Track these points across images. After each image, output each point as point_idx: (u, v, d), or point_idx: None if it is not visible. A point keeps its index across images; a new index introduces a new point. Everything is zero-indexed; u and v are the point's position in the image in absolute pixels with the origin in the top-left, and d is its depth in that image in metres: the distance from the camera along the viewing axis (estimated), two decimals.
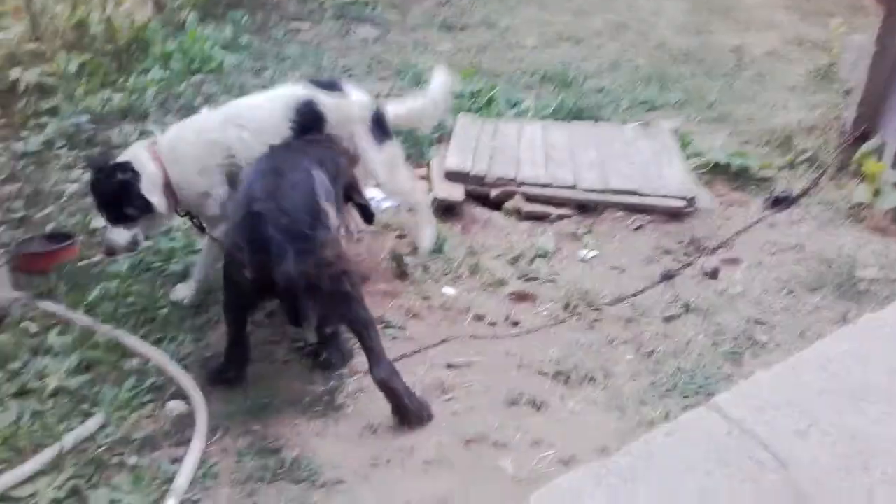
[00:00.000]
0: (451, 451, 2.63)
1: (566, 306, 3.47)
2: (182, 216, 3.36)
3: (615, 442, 2.63)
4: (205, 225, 3.32)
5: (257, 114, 3.32)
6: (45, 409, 2.75)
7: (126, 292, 3.45)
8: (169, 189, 3.25)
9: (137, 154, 3.24)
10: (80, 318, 3.24)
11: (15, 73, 5.83)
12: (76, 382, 2.88)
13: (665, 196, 4.35)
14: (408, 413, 2.73)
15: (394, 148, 3.72)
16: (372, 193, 4.57)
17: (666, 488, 2.34)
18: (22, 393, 2.84)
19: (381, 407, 2.83)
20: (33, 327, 3.20)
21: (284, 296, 2.66)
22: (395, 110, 3.80)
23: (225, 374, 2.94)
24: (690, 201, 4.32)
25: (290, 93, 3.41)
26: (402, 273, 3.69)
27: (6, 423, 2.68)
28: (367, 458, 2.59)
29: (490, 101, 5.89)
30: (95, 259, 3.73)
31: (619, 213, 4.28)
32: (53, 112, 5.50)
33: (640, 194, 4.37)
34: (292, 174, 2.84)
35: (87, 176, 4.10)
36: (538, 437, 2.68)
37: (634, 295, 3.56)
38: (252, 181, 2.85)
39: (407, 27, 8.19)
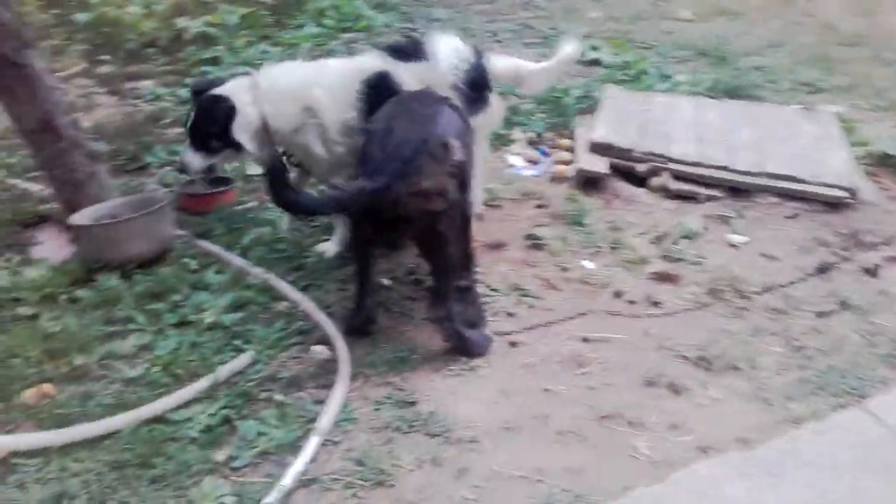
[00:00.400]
0: (585, 424, 2.61)
1: (712, 291, 3.35)
2: (286, 157, 3.39)
3: (758, 434, 2.55)
4: (309, 168, 3.37)
5: (335, 80, 3.28)
6: (201, 342, 2.93)
7: (277, 239, 3.61)
8: (264, 129, 3.27)
9: (238, 91, 3.26)
10: (236, 259, 3.42)
11: (181, 22, 6.15)
12: (230, 319, 3.05)
13: (825, 185, 4.11)
14: (455, 350, 2.90)
15: (486, 117, 3.51)
16: (513, 160, 4.59)
17: (813, 487, 2.26)
18: (182, 324, 3.04)
19: (515, 374, 2.85)
20: (193, 264, 3.40)
21: (378, 216, 2.68)
22: (505, 66, 3.57)
23: (354, 322, 3.02)
24: (853, 192, 4.06)
25: (365, 64, 3.32)
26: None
27: (167, 350, 2.88)
28: (501, 421, 2.61)
29: (640, 74, 5.74)
30: (251, 205, 3.92)
31: (774, 199, 4.08)
32: (215, 62, 5.77)
33: (798, 181, 4.14)
34: (416, 106, 2.89)
35: None
36: (676, 421, 2.61)
37: (786, 286, 3.39)
38: (379, 112, 2.93)
39: None
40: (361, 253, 2.96)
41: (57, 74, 5.41)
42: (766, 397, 2.73)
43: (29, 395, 2.69)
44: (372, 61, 3.33)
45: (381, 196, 2.58)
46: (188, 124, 3.33)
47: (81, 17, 6.17)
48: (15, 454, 2.43)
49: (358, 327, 3.01)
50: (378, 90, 3.21)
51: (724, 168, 4.24)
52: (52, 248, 3.58)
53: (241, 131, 3.23)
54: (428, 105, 2.93)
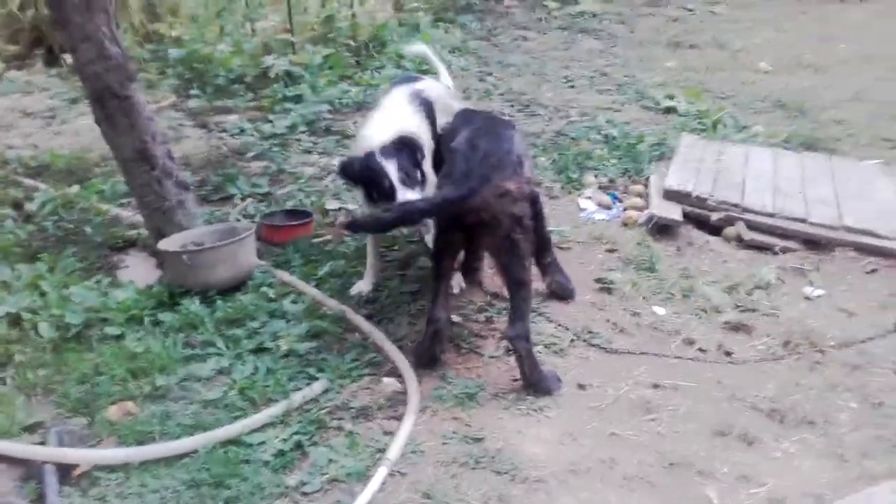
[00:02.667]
0: (652, 471, 2.58)
1: (786, 343, 3.29)
2: None
3: (831, 491, 2.49)
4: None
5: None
6: (277, 368, 3.02)
7: (352, 272, 3.70)
8: None
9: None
10: (312, 290, 3.52)
11: (268, 60, 6.40)
12: (305, 347, 3.14)
13: None
14: (525, 379, 2.95)
15: None
16: (585, 205, 4.61)
17: None
18: (259, 350, 3.14)
19: (582, 416, 2.85)
20: (271, 293, 3.51)
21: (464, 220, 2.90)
22: None
23: (425, 336, 3.07)
24: None
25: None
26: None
27: (244, 375, 2.97)
28: (567, 462, 2.61)
29: (716, 123, 5.72)
30: (326, 237, 4.03)
31: (852, 254, 4.00)
32: (298, 99, 5.98)
33: (878, 236, 4.05)
34: (494, 127, 3.20)
35: (325, 161, 4.49)
36: (747, 473, 2.57)
37: (864, 341, 3.31)
38: (458, 130, 3.15)
39: (633, 42, 8.14)
40: (441, 262, 3.09)
41: (150, 106, 5.73)
42: (841, 453, 2.67)
43: (113, 411, 2.81)
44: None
45: (471, 198, 2.80)
46: None
47: (175, 52, 6.48)
48: (98, 468, 2.53)
49: (428, 344, 3.07)
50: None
51: (802, 220, 4.18)
52: (139, 271, 3.74)
53: None
54: (504, 127, 3.25)
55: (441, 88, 3.84)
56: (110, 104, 3.49)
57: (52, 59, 6.97)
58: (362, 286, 3.57)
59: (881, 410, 2.89)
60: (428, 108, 3.51)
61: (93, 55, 3.41)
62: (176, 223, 3.70)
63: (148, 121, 3.61)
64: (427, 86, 3.68)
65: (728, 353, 3.27)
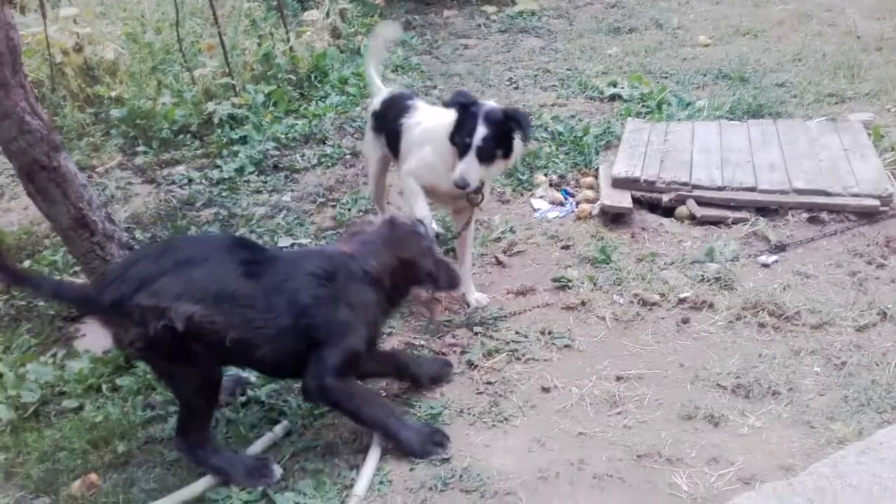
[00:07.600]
0: (622, 466, 2.56)
1: (747, 314, 3.29)
2: None
3: (801, 461, 2.48)
4: None
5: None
6: (238, 417, 2.97)
7: None
8: None
9: None
10: None
11: (210, 106, 6.35)
12: (265, 392, 3.09)
13: (856, 195, 4.02)
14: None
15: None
16: (538, 204, 4.60)
17: None
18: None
19: (549, 420, 2.82)
20: None
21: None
22: None
23: None
24: (886, 200, 3.97)
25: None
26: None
27: None
28: (536, 470, 2.58)
29: (661, 104, 5.73)
30: None
31: (805, 215, 4.01)
32: (244, 140, 5.93)
33: (829, 194, 4.07)
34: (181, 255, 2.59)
35: (275, 199, 4.48)
36: (716, 454, 2.56)
37: (823, 302, 3.31)
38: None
39: (573, 34, 8.14)
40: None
41: (96, 170, 5.68)
42: (808, 420, 2.66)
43: (76, 487, 2.74)
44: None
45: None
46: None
47: (116, 112, 6.43)
48: None
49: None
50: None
51: (751, 189, 4.18)
52: (96, 339, 3.67)
53: None
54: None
55: None
56: (40, 177, 3.45)
57: None
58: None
59: (844, 370, 2.90)
60: None
61: (14, 132, 3.36)
62: None
63: (81, 188, 3.55)
64: None
65: (690, 334, 3.25)
